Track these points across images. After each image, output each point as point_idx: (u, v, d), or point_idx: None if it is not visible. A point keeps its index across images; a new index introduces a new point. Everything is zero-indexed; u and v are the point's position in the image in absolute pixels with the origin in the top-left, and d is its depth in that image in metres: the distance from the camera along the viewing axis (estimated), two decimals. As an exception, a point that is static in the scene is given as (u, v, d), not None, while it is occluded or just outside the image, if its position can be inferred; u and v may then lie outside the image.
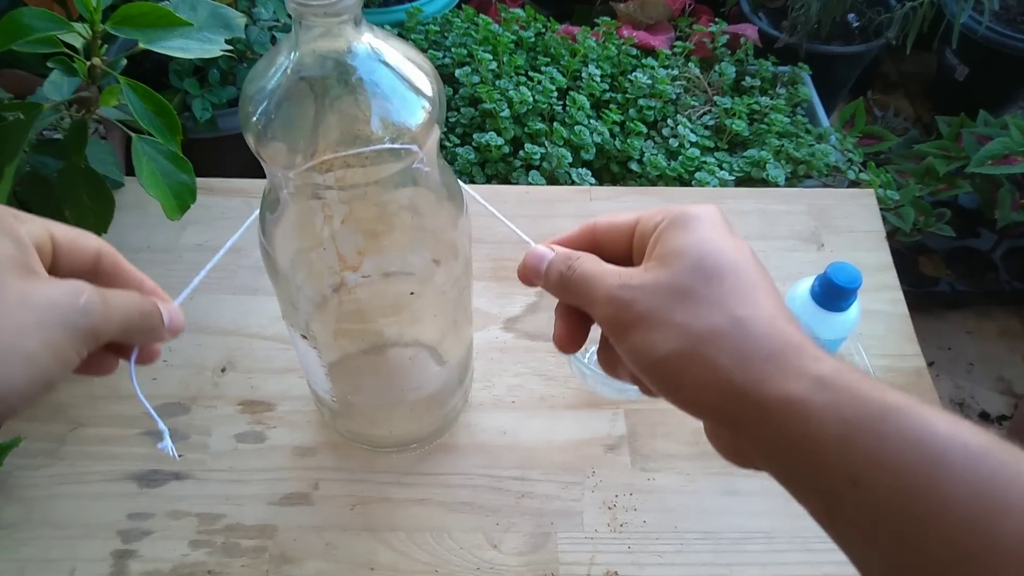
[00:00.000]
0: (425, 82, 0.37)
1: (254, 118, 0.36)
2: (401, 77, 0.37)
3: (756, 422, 0.28)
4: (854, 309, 0.57)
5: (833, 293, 0.55)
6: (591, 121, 1.01)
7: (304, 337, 0.46)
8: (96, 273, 0.32)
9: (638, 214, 0.34)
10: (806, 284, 0.58)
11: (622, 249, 0.34)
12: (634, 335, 0.30)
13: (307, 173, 0.37)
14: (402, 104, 0.37)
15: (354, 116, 0.36)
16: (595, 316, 0.32)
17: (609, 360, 0.35)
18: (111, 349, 0.33)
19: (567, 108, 1.02)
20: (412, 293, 0.45)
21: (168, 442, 0.35)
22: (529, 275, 0.35)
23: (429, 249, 0.45)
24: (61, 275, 0.30)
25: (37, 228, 0.30)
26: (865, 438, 0.25)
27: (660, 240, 0.32)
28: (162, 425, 0.35)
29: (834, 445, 0.25)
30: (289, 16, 1.20)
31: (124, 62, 0.61)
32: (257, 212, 0.42)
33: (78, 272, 0.31)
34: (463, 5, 1.25)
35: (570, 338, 0.35)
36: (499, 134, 0.98)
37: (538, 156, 0.97)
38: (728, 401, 0.28)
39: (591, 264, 0.33)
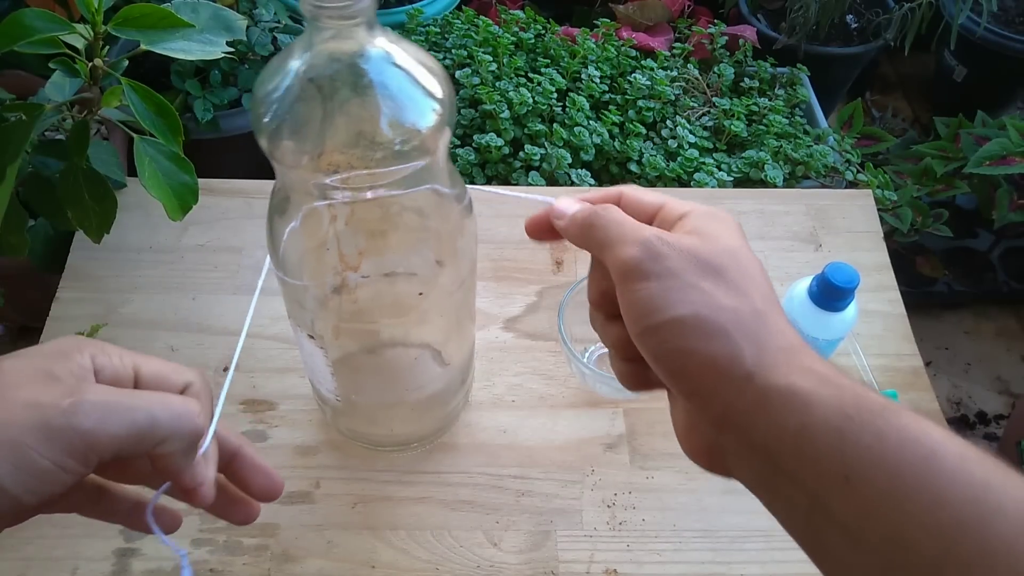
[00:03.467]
0: (436, 85, 0.38)
1: (266, 119, 0.36)
2: (412, 79, 0.37)
3: (754, 409, 0.27)
4: (852, 309, 0.57)
5: (831, 293, 0.56)
6: (590, 122, 1.02)
7: (311, 337, 0.47)
8: None
9: (665, 198, 0.33)
10: (804, 284, 0.58)
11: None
12: (654, 285, 0.28)
13: (318, 175, 0.37)
14: (413, 106, 0.37)
15: (365, 118, 0.37)
16: (614, 259, 0.30)
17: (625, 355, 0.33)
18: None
19: (567, 109, 1.03)
20: (420, 294, 0.45)
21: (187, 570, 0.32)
22: (552, 216, 0.34)
23: (433, 250, 0.45)
24: None
25: (114, 359, 0.28)
26: (864, 433, 0.25)
27: (693, 221, 0.31)
28: (182, 552, 0.32)
29: (832, 437, 0.25)
30: (290, 18, 1.19)
31: (126, 63, 0.61)
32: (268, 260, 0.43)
33: None
34: (463, 7, 1.25)
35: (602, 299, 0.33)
36: (499, 135, 0.98)
37: (538, 157, 0.97)
38: (730, 382, 0.27)
39: (622, 213, 0.32)
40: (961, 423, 1.27)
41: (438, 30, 1.17)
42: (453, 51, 1.11)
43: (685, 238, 0.30)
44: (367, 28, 0.34)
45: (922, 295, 1.35)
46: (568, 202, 0.34)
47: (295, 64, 0.36)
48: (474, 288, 0.51)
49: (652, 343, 0.29)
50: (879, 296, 0.71)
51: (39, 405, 0.25)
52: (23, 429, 0.24)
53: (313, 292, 0.44)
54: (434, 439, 0.59)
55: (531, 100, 1.00)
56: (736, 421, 0.27)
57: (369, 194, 0.38)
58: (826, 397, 0.26)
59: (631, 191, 0.34)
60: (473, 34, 1.13)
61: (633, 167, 1.00)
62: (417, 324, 0.48)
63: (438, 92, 0.37)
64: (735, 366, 0.27)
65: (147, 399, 0.28)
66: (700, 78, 1.15)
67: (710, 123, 1.09)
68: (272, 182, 0.43)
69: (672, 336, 0.28)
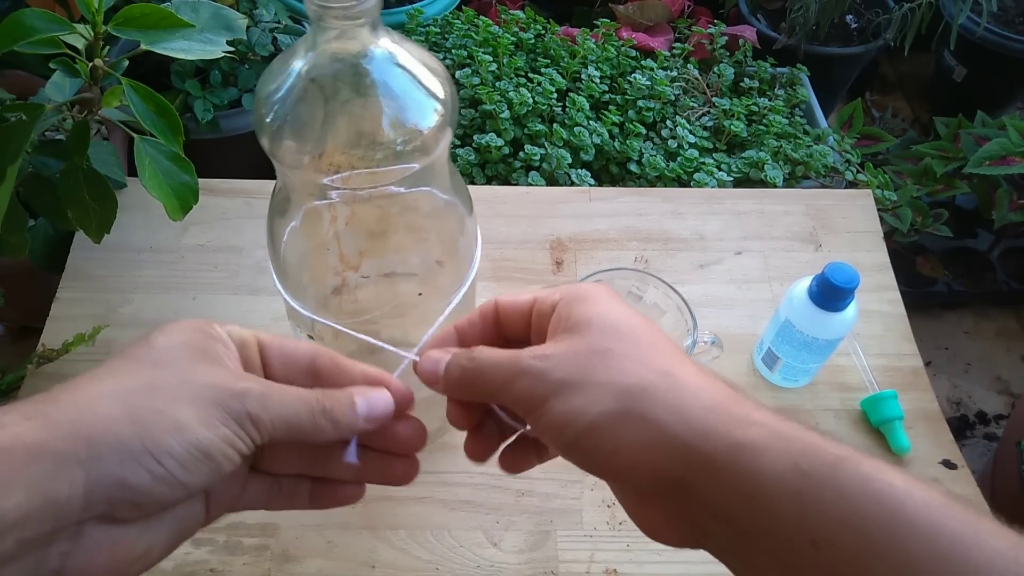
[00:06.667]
0: (438, 85, 0.38)
1: (268, 119, 0.36)
2: (415, 80, 0.37)
3: (705, 479, 0.25)
4: (851, 309, 0.57)
5: (831, 293, 0.56)
6: (590, 122, 1.02)
7: (310, 337, 0.47)
8: (316, 375, 0.32)
9: (534, 293, 0.32)
10: (804, 284, 0.58)
11: (521, 330, 0.33)
12: (556, 404, 0.27)
13: (320, 175, 0.37)
14: (415, 107, 0.37)
15: (367, 118, 0.37)
16: (507, 398, 0.29)
17: (514, 459, 0.33)
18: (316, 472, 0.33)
19: (567, 109, 1.03)
20: (420, 294, 0.45)
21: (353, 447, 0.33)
22: (428, 380, 0.32)
23: (433, 251, 0.45)
24: (276, 379, 0.31)
25: (242, 331, 0.32)
26: (824, 492, 0.23)
27: (563, 314, 0.30)
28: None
29: (791, 500, 0.24)
30: (290, 18, 1.19)
31: (126, 63, 0.61)
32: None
33: (295, 375, 0.32)
34: (463, 7, 1.25)
35: (469, 418, 0.33)
36: (499, 135, 0.98)
37: (538, 157, 0.97)
38: (672, 460, 0.26)
39: (493, 351, 0.30)
40: (961, 423, 1.27)
41: (438, 30, 1.17)
42: (453, 51, 1.11)
43: (561, 343, 0.29)
44: (371, 28, 0.34)
45: (922, 295, 1.35)
46: (431, 360, 0.32)
47: (298, 64, 0.36)
48: (474, 288, 0.51)
49: (578, 457, 0.28)
50: (879, 296, 0.71)
51: (215, 386, 0.28)
52: (206, 403, 0.28)
53: (312, 292, 0.44)
54: (434, 439, 0.59)
55: (531, 100, 1.00)
56: (692, 494, 0.26)
57: (366, 193, 0.38)
58: (776, 454, 0.24)
59: (503, 301, 0.33)
60: (473, 34, 1.13)
61: (633, 167, 1.00)
62: (417, 324, 0.48)
63: (440, 93, 0.37)
64: (670, 444, 0.26)
65: (293, 397, 0.30)
66: (700, 78, 1.15)
67: (710, 123, 1.09)
68: (273, 182, 0.43)
69: (592, 444, 0.27)
